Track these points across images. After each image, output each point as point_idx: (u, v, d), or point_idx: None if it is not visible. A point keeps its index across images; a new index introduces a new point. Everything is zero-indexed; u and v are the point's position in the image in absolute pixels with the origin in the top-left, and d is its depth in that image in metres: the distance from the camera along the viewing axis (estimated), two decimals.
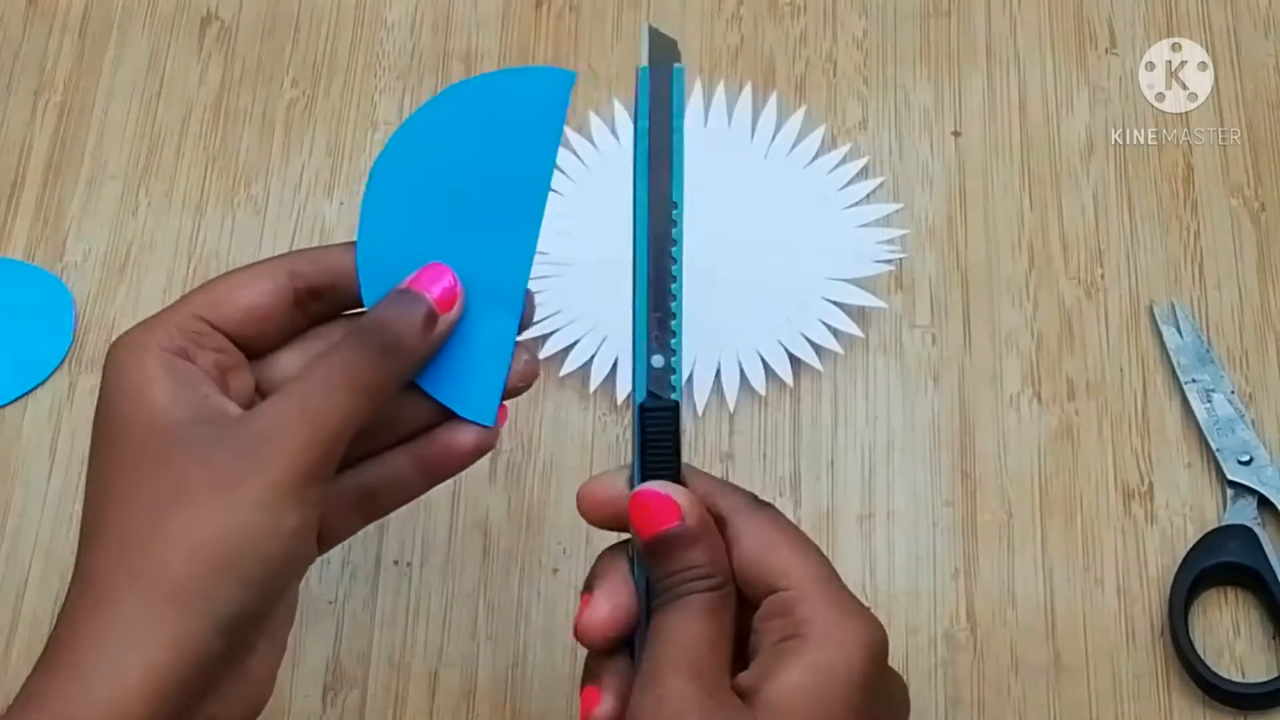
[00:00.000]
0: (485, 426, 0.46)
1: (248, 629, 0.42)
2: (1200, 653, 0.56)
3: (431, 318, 0.45)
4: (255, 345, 0.46)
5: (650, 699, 0.41)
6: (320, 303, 0.46)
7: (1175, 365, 0.61)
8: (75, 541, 0.60)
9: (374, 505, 0.47)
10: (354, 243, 0.47)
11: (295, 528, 0.42)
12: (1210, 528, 0.59)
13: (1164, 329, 0.62)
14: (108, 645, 0.40)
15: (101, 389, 0.44)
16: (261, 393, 0.46)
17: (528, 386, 0.47)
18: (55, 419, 0.62)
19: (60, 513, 0.60)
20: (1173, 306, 0.63)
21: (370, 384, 0.44)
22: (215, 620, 0.40)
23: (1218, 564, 0.57)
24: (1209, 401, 0.61)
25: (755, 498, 0.45)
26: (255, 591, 0.41)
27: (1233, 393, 0.61)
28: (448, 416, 0.46)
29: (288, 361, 0.47)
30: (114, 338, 0.63)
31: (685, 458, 0.60)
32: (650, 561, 0.43)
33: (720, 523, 0.44)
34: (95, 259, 0.66)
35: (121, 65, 0.70)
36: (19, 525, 0.60)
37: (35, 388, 0.63)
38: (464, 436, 0.46)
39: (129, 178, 0.67)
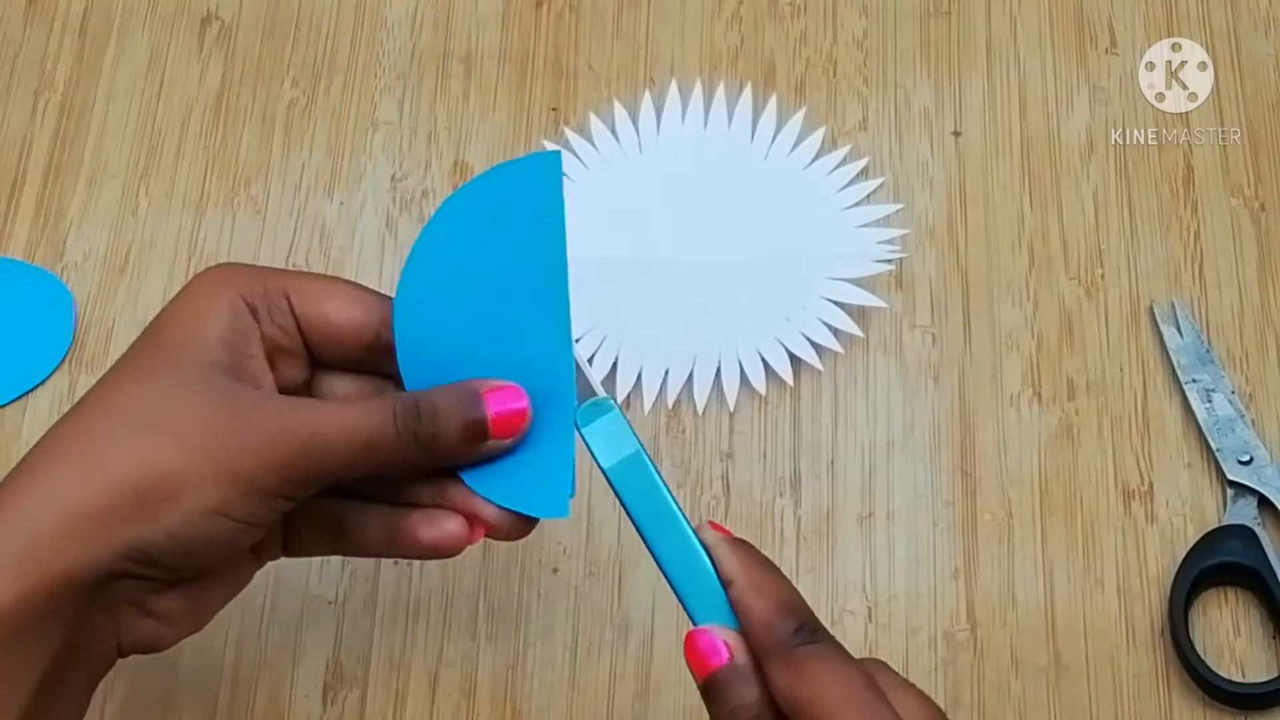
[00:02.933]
0: (523, 520, 0.46)
1: (146, 567, 0.42)
2: (1200, 653, 0.56)
3: (480, 433, 0.44)
4: (319, 354, 0.46)
5: None
6: (394, 363, 0.46)
7: (1175, 365, 0.61)
8: None
9: (343, 542, 0.47)
10: None
11: (230, 525, 0.42)
12: (1210, 528, 0.59)
13: (1164, 329, 0.62)
14: (16, 523, 0.41)
15: (172, 300, 0.45)
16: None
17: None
18: (55, 419, 0.62)
19: None
20: (1173, 306, 0.63)
21: (385, 459, 0.44)
22: (115, 546, 0.41)
23: (1218, 564, 0.57)
24: (1209, 401, 0.61)
25: (803, 626, 0.42)
26: (165, 545, 0.42)
27: (1233, 393, 0.61)
28: (436, 498, 0.46)
29: (340, 386, 0.47)
30: (114, 337, 0.64)
31: (686, 457, 0.61)
32: (707, 700, 0.42)
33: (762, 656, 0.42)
34: (95, 259, 0.66)
35: (121, 65, 0.70)
36: None
37: (35, 388, 0.63)
38: (426, 532, 0.45)
39: (129, 178, 0.67)
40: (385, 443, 0.43)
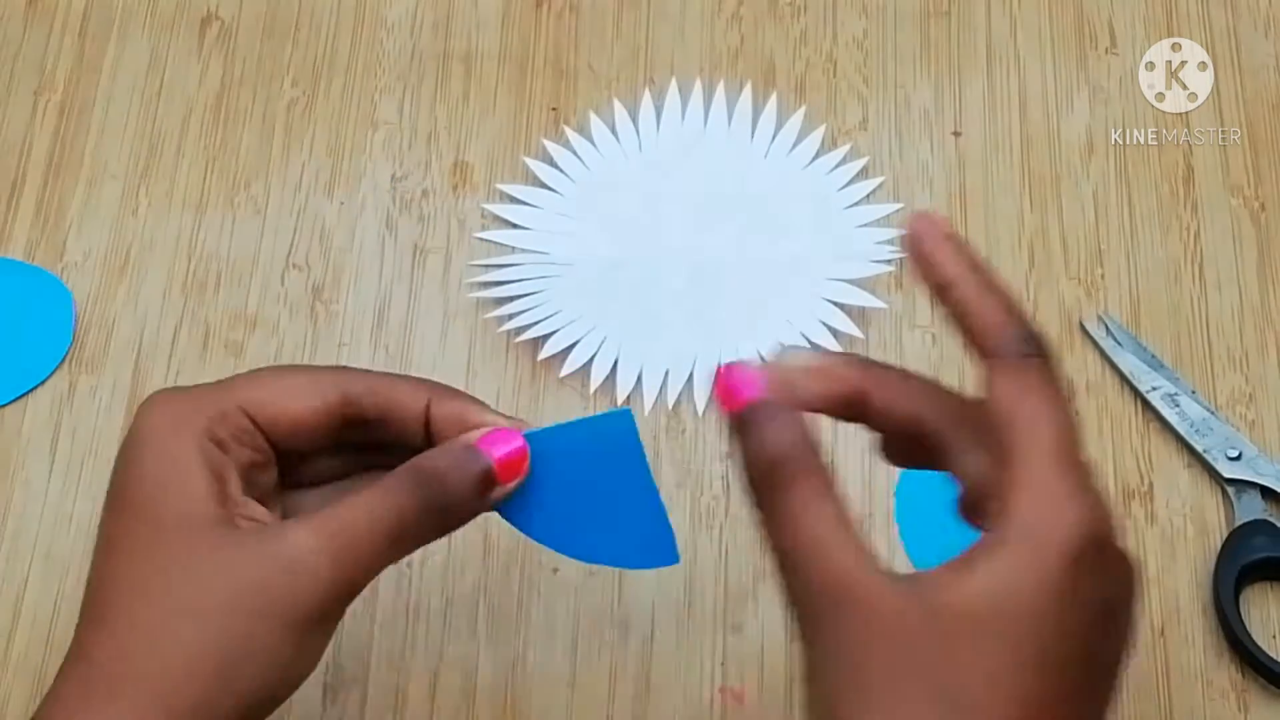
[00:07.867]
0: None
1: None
2: (1264, 648, 0.55)
3: (489, 482, 0.44)
4: (289, 449, 0.45)
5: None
6: (366, 428, 0.45)
7: (1130, 377, 0.61)
8: (75, 541, 0.60)
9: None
10: (418, 380, 0.46)
11: (307, 656, 0.42)
12: (1211, 528, 0.58)
13: (1103, 344, 0.62)
14: None
15: (129, 448, 0.43)
16: (284, 489, 0.46)
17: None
18: (55, 419, 0.62)
19: (60, 513, 0.60)
20: (1100, 320, 0.62)
21: (413, 537, 0.43)
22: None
23: (1257, 560, 0.57)
24: (1176, 406, 0.60)
25: (1031, 337, 0.40)
26: (253, 712, 0.41)
27: (1194, 392, 0.60)
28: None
29: (319, 465, 0.46)
30: (114, 336, 0.64)
31: (686, 457, 0.61)
32: (737, 437, 0.41)
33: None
34: (95, 259, 0.66)
35: (121, 65, 0.70)
36: (19, 525, 0.60)
37: (35, 388, 0.63)
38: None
39: (129, 178, 0.67)
40: (411, 527, 0.43)
